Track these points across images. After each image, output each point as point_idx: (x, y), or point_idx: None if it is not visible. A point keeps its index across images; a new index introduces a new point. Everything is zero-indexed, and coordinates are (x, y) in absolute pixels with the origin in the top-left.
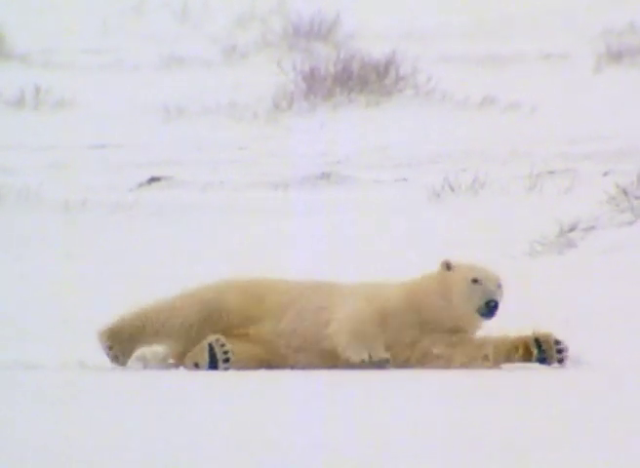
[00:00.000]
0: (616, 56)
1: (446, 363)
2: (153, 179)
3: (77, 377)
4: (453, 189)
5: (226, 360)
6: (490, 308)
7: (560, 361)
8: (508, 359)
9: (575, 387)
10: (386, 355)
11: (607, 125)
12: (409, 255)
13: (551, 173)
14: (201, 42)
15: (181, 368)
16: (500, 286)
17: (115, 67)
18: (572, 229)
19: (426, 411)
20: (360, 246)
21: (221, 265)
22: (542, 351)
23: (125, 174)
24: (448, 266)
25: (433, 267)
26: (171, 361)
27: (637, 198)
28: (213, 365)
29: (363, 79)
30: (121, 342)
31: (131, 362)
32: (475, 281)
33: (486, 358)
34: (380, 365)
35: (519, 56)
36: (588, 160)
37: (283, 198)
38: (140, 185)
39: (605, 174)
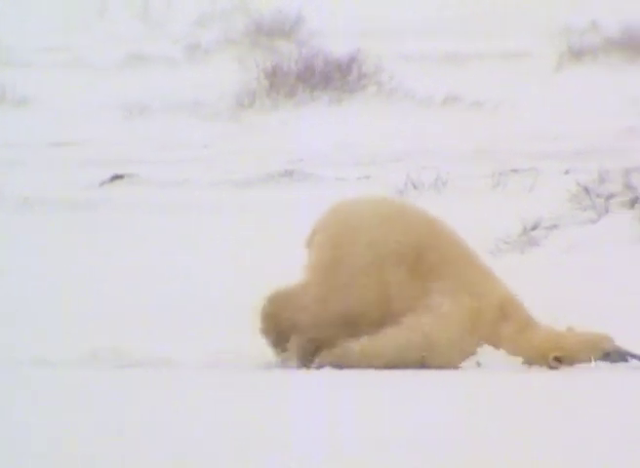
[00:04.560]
0: (577, 54)
1: None
2: (116, 177)
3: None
4: (416, 187)
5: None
6: None
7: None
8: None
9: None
10: None
11: (569, 123)
12: None
13: (514, 171)
14: (163, 40)
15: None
16: None
17: (77, 65)
18: (534, 227)
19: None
20: None
21: (185, 262)
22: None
23: (87, 171)
24: None
25: None
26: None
27: (599, 196)
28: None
29: (326, 77)
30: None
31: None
32: None
33: None
34: None
35: (482, 54)
36: (550, 158)
37: (246, 196)
38: (103, 183)
39: (567, 172)
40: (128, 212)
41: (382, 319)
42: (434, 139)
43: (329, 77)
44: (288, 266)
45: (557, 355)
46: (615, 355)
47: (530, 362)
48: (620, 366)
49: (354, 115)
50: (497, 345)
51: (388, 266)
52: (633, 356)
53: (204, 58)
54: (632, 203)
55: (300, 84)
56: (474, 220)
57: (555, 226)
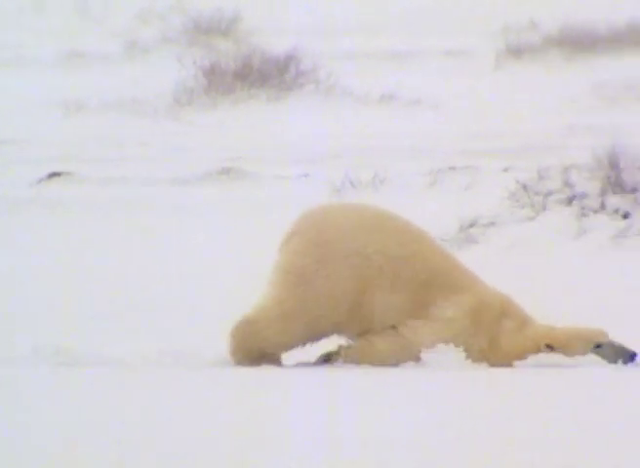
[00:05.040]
0: (516, 52)
1: None
2: (53, 175)
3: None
4: (353, 185)
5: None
6: None
7: None
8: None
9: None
10: None
11: (507, 121)
12: None
13: (452, 169)
14: (102, 38)
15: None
16: None
17: (14, 62)
18: (472, 225)
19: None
20: (260, 241)
21: (124, 260)
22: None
23: (24, 169)
24: None
25: None
26: None
27: (537, 194)
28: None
29: (263, 74)
30: None
31: None
32: None
33: None
34: None
35: (420, 52)
36: (489, 156)
37: (184, 194)
38: (40, 181)
39: (505, 170)
40: (65, 209)
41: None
42: (372, 137)
43: (267, 75)
44: (226, 262)
45: (548, 342)
46: (607, 348)
47: (526, 354)
48: (530, 363)
49: (292, 113)
50: (496, 342)
51: (368, 279)
52: (621, 351)
53: (142, 55)
54: (570, 200)
55: (238, 82)
56: (412, 218)
57: (493, 224)
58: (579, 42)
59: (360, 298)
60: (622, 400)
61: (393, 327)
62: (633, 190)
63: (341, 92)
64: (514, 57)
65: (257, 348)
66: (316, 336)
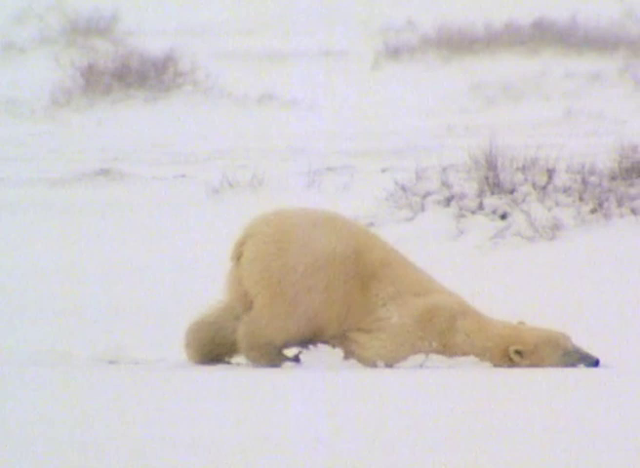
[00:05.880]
0: (394, 53)
1: None
2: None
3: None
4: (231, 186)
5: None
6: None
7: None
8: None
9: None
10: None
11: (386, 121)
12: (186, 252)
13: (330, 169)
14: None
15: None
16: None
17: None
18: None
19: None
20: (140, 241)
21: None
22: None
23: None
24: None
25: (215, 263)
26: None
27: (415, 195)
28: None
29: (142, 75)
30: None
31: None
32: None
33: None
34: None
35: (298, 52)
36: (367, 156)
37: (61, 194)
38: None
39: (383, 170)
40: None
41: (344, 324)
42: (250, 138)
43: (145, 76)
44: (106, 262)
45: (518, 348)
46: (573, 355)
47: (486, 358)
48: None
49: (170, 113)
50: (452, 342)
51: (337, 274)
52: (586, 357)
53: (19, 56)
54: (448, 201)
55: (116, 82)
56: None
57: (371, 224)
58: (456, 43)
59: (320, 301)
60: (600, 400)
61: (344, 336)
62: (511, 191)
63: (220, 92)
64: (392, 57)
65: (223, 346)
66: (308, 338)
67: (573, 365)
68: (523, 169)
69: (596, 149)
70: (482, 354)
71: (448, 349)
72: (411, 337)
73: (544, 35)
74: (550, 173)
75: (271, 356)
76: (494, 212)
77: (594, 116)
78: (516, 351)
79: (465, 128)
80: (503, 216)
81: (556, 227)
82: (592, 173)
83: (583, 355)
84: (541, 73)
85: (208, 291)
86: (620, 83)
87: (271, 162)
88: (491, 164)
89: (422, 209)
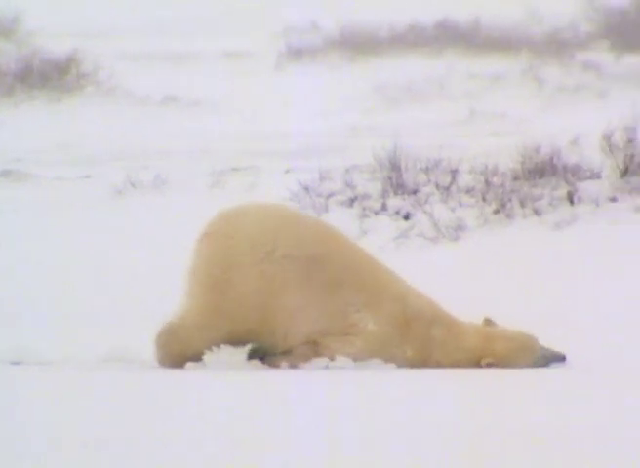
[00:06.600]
0: (296, 53)
1: None
2: None
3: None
4: (135, 186)
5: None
6: None
7: None
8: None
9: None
10: None
11: (289, 122)
12: (91, 253)
13: (234, 170)
14: None
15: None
16: None
17: None
18: None
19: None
20: (45, 243)
21: None
22: None
23: None
24: None
25: (122, 263)
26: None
27: (319, 195)
28: None
29: (44, 76)
30: None
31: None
32: None
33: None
34: None
35: (200, 53)
36: (271, 157)
37: None
38: None
39: (287, 171)
40: None
41: (286, 338)
42: (153, 139)
43: (47, 76)
44: (7, 265)
45: (489, 361)
46: (542, 359)
47: (460, 364)
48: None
49: (73, 114)
50: (427, 350)
51: (277, 286)
52: (554, 356)
53: None
54: (352, 201)
55: (19, 83)
56: (194, 220)
57: None
58: (360, 43)
59: (271, 305)
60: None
61: (315, 342)
62: (414, 191)
63: (123, 93)
64: (295, 58)
65: (180, 354)
66: (236, 342)
67: (540, 365)
68: (426, 169)
69: (499, 150)
70: (454, 365)
71: (422, 359)
72: (387, 345)
73: (448, 36)
74: (453, 173)
75: (182, 360)
76: (397, 212)
77: (498, 117)
78: (488, 363)
79: (369, 128)
80: (407, 217)
81: (459, 228)
82: (495, 173)
83: (552, 355)
84: (445, 74)
85: (113, 290)
86: (523, 83)
87: (175, 162)
88: (394, 165)
89: (326, 209)
